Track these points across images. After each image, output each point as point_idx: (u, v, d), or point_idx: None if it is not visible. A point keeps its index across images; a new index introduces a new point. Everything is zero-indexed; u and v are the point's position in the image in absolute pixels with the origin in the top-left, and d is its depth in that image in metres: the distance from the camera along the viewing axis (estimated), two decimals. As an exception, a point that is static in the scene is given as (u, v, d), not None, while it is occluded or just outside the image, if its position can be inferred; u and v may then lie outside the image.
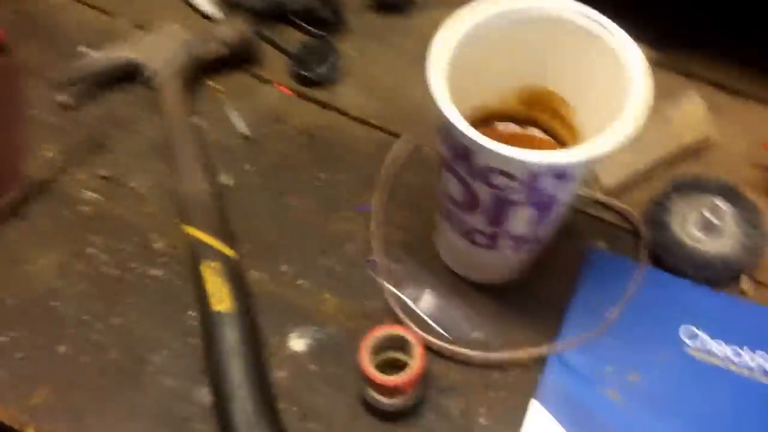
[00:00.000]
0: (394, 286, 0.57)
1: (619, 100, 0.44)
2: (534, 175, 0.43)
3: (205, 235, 0.56)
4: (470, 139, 0.42)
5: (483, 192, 0.46)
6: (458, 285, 0.58)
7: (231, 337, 0.51)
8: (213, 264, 0.54)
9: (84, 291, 0.57)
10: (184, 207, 0.58)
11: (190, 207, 0.58)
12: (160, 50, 0.66)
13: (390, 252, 0.59)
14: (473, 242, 0.52)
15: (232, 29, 0.68)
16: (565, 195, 0.46)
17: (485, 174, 0.44)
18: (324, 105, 0.68)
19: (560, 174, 0.43)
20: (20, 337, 0.54)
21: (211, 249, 0.55)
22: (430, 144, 0.64)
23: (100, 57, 0.66)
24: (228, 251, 0.55)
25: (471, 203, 0.48)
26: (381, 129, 0.66)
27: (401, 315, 0.55)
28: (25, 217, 0.60)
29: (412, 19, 0.74)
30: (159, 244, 0.59)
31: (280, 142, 0.65)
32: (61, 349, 0.54)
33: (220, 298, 0.53)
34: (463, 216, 0.50)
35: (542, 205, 0.46)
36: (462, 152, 0.44)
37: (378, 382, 0.49)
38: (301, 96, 0.68)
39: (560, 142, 0.54)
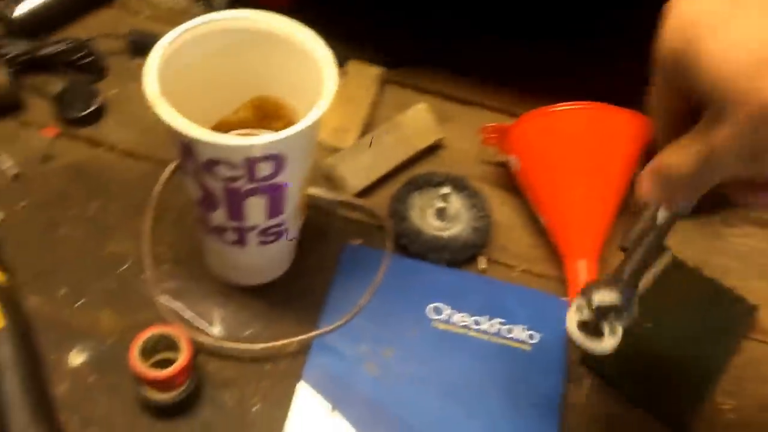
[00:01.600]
0: (168, 298, 0.62)
1: (318, 90, 0.51)
2: (251, 159, 0.49)
3: (-25, 267, 0.59)
4: (184, 134, 0.48)
5: (215, 187, 0.52)
6: (225, 289, 0.64)
7: (4, 353, 0.54)
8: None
9: None
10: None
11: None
12: None
13: (162, 268, 0.64)
14: (224, 241, 0.58)
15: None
16: (288, 179, 0.52)
17: (210, 167, 0.50)
18: (91, 142, 0.72)
19: (274, 156, 0.50)
20: None
21: (-15, 279, 0.58)
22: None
23: None
24: (0, 277, 0.59)
25: (210, 201, 0.54)
26: (147, 158, 0.72)
27: (175, 323, 0.60)
28: None
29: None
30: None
31: (50, 179, 0.69)
32: None
33: (-6, 319, 0.56)
34: (208, 215, 0.56)
35: (271, 191, 0.53)
36: (186, 150, 0.50)
37: (149, 377, 0.54)
38: (68, 136, 0.73)
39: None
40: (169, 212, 0.68)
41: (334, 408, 0.57)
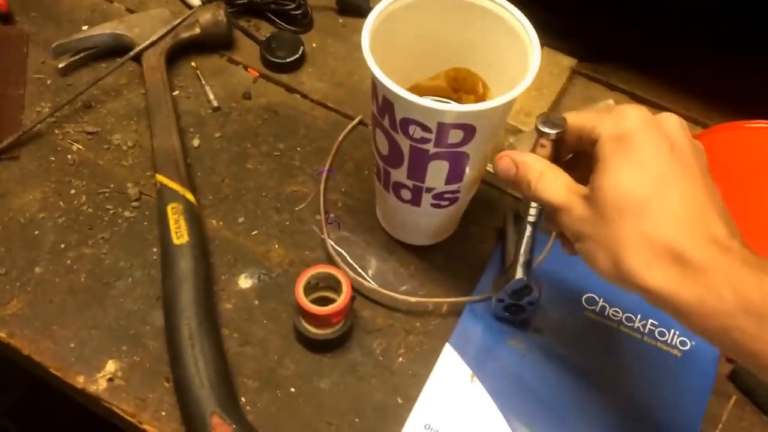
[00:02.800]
0: (335, 243, 0.65)
1: (519, 69, 0.53)
2: (444, 125, 0.51)
3: (171, 181, 0.64)
4: (389, 89, 0.50)
5: (404, 144, 0.55)
6: (391, 245, 0.66)
7: (184, 266, 0.60)
8: (175, 205, 0.63)
9: (62, 224, 0.65)
10: (156, 159, 0.66)
11: (161, 158, 0.66)
12: (147, 29, 0.76)
13: (336, 214, 0.68)
14: (400, 198, 0.61)
15: (209, 15, 0.77)
16: (474, 150, 0.55)
17: (404, 126, 0.53)
18: (288, 88, 0.77)
19: (466, 125, 0.52)
20: (1, 257, 0.62)
21: (176, 193, 0.64)
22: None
23: (95, 31, 0.75)
24: (189, 196, 0.64)
25: (396, 157, 0.57)
26: (336, 111, 0.75)
27: (341, 265, 0.64)
28: (16, 158, 0.68)
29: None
30: (133, 191, 0.67)
31: (246, 115, 0.74)
32: (37, 270, 0.62)
33: (179, 233, 0.61)
34: (390, 170, 0.58)
35: (455, 158, 0.55)
36: (385, 106, 0.53)
37: (309, 311, 0.58)
38: (268, 79, 0.78)
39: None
40: (348, 163, 0.71)
41: (474, 375, 0.59)
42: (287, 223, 0.67)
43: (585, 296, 0.64)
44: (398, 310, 0.63)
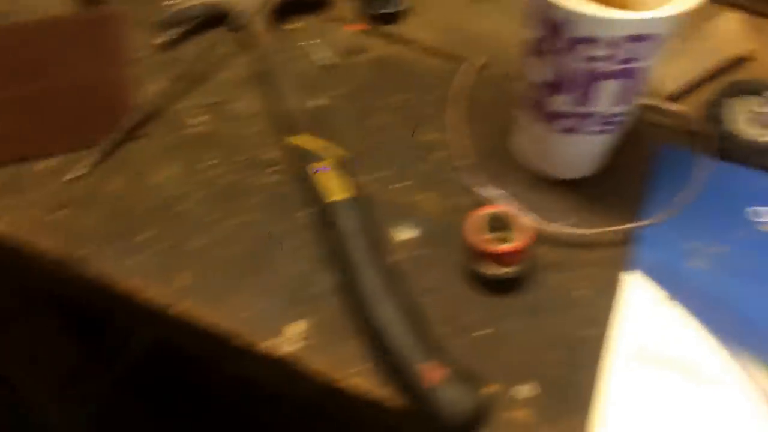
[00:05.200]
0: (477, 184, 0.64)
1: None
2: (623, 38, 0.49)
3: (315, 140, 0.62)
4: (559, 5, 0.48)
5: (573, 68, 0.52)
6: (538, 182, 0.64)
7: (348, 222, 0.57)
8: (326, 162, 0.61)
9: (205, 197, 0.63)
10: (291, 122, 0.64)
11: (298, 120, 0.64)
12: (246, -6, 0.73)
13: (473, 157, 0.66)
14: (555, 129, 0.59)
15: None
16: (646, 62, 0.52)
17: (575, 45, 0.51)
18: (394, 38, 0.75)
19: (647, 36, 0.50)
20: (154, 236, 0.60)
21: (324, 150, 0.62)
22: (500, 67, 0.72)
23: (193, 3, 0.73)
24: (339, 151, 0.62)
25: (560, 84, 0.55)
26: (446, 56, 0.73)
27: (488, 201, 0.62)
28: (143, 137, 0.66)
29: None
30: (268, 156, 0.65)
31: (357, 70, 0.72)
32: (194, 244, 0.60)
33: (335, 190, 0.59)
34: (550, 99, 0.56)
35: (628, 75, 0.53)
36: (552, 27, 0.51)
37: (490, 251, 0.56)
38: (372, 32, 0.75)
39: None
40: (476, 107, 0.69)
41: (671, 297, 0.57)
42: (430, 171, 0.65)
43: (748, 210, 0.62)
44: (571, 245, 0.61)
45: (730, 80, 0.69)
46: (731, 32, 0.72)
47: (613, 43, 0.50)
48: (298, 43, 0.74)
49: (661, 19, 0.49)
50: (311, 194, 0.60)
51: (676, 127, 0.69)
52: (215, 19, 0.74)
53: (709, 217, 0.62)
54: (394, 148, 0.67)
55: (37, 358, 1.06)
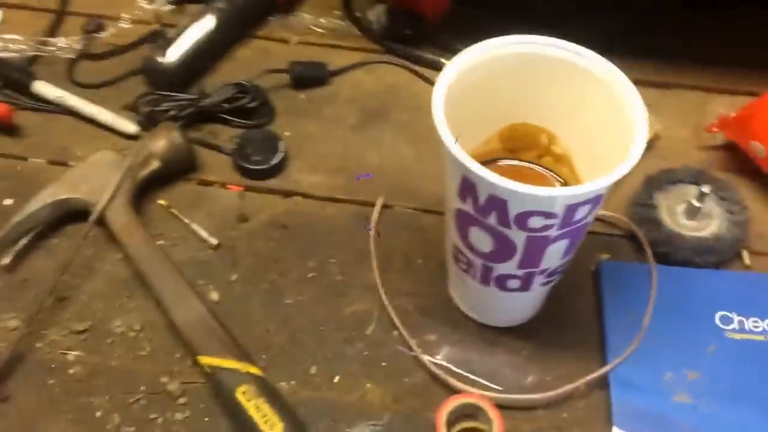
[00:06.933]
0: (425, 353, 0.55)
1: (613, 121, 0.46)
2: (572, 207, 0.43)
3: (224, 360, 0.51)
4: (502, 186, 0.41)
5: (518, 237, 0.45)
6: (486, 333, 0.57)
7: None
8: (246, 388, 0.50)
9: (106, 463, 0.50)
10: (188, 338, 0.53)
11: (195, 336, 0.53)
12: (96, 181, 0.61)
13: (409, 322, 0.57)
14: (504, 288, 0.51)
15: (163, 140, 0.64)
16: (592, 218, 0.47)
17: (522, 219, 0.43)
18: (283, 193, 0.65)
19: (597, 198, 0.44)
20: None
21: (238, 373, 0.51)
22: (406, 203, 0.64)
23: (33, 205, 0.60)
24: (254, 370, 0.51)
25: (504, 252, 0.47)
26: (346, 201, 0.64)
27: (452, 381, 0.53)
28: (8, 400, 0.52)
29: (332, 86, 0.73)
30: (173, 386, 0.53)
31: (253, 241, 0.62)
32: None
33: (269, 421, 0.49)
34: (494, 265, 0.49)
35: (575, 233, 0.46)
36: (492, 204, 0.43)
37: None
38: (255, 190, 0.65)
39: (548, 169, 0.55)
40: (392, 257, 0.61)
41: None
42: (366, 353, 0.56)
43: (715, 316, 0.57)
44: (537, 408, 0.53)
45: (648, 173, 0.64)
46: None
47: (567, 211, 0.43)
48: (171, 224, 0.62)
49: (608, 183, 0.42)
50: (242, 428, 0.49)
51: (604, 235, 0.62)
52: (67, 218, 0.61)
53: (677, 335, 0.56)
54: (317, 333, 0.57)
55: None
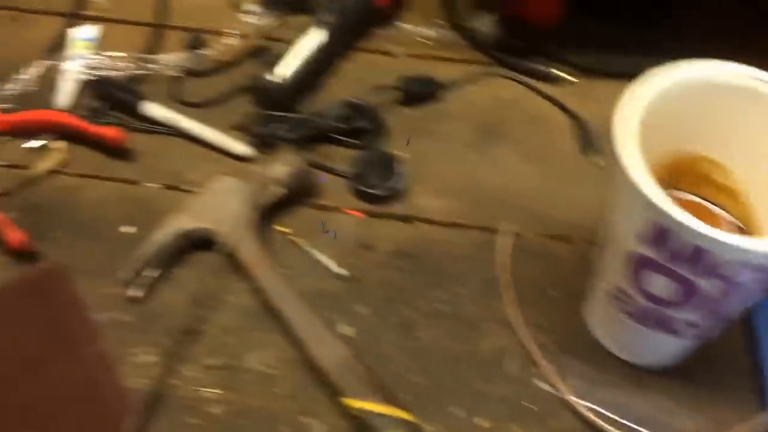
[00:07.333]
0: (568, 393, 0.53)
1: None
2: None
3: (374, 404, 0.50)
4: (710, 237, 0.39)
5: (714, 287, 0.43)
6: (634, 374, 0.55)
7: None
8: (398, 435, 0.49)
9: None
10: (333, 379, 0.52)
11: (340, 377, 0.52)
12: (220, 210, 0.60)
13: (550, 358, 0.55)
14: (674, 333, 0.49)
15: (286, 166, 0.62)
16: None
17: (730, 273, 0.41)
18: (404, 218, 0.63)
19: None
20: None
21: (390, 418, 0.49)
22: (533, 230, 0.62)
23: (159, 236, 0.59)
24: (405, 415, 0.50)
25: (683, 299, 0.45)
26: (473, 227, 0.62)
27: (606, 427, 0.51)
28: (150, 441, 0.52)
29: (445, 103, 0.71)
30: (317, 428, 0.52)
31: (380, 271, 0.60)
32: None
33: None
34: (673, 313, 0.47)
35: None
36: (696, 256, 0.41)
37: None
38: (375, 215, 0.63)
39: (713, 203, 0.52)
40: (527, 288, 0.59)
41: None
42: (507, 392, 0.54)
43: None
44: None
45: None
46: None
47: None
48: (293, 252, 0.61)
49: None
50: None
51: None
52: (191, 248, 0.60)
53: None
54: (454, 370, 0.55)
55: None
